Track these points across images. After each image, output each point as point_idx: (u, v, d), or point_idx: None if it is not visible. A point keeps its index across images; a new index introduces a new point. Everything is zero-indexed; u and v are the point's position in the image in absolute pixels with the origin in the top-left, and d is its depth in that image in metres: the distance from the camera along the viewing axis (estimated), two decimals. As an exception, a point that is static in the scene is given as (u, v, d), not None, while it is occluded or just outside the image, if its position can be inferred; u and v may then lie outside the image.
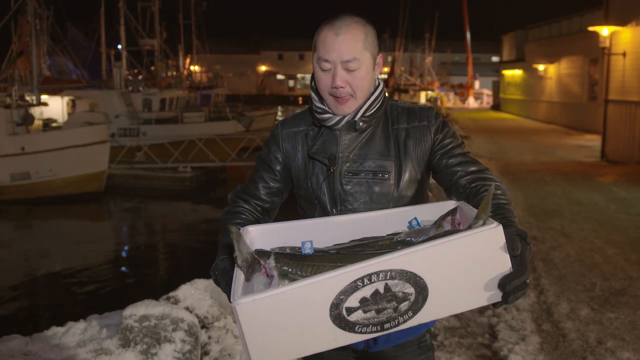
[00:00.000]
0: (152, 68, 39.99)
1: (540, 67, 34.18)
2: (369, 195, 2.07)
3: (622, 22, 18.01)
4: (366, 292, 1.52)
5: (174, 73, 43.31)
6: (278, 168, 2.20)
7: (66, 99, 26.83)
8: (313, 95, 2.13)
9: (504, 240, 1.58)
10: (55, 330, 4.61)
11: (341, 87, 2.01)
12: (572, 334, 5.18)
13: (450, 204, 1.96)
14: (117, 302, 6.33)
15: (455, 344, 4.99)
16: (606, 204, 11.05)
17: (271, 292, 1.49)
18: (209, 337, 4.64)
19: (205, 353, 4.55)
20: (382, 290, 1.53)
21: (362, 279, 1.50)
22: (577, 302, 5.97)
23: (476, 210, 1.68)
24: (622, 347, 4.89)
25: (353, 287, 1.50)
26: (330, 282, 1.49)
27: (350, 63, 1.99)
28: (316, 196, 2.12)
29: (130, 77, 38.25)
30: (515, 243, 1.60)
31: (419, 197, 2.13)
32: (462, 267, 1.57)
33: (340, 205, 2.08)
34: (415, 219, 1.92)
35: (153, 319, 4.18)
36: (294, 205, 2.27)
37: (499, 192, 1.90)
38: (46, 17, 27.16)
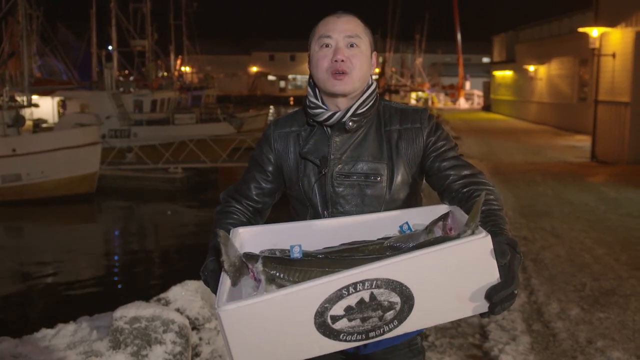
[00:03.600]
0: (143, 69, 39.90)
1: (531, 68, 34.28)
2: (361, 198, 2.06)
3: (612, 23, 18.09)
4: (351, 300, 1.51)
5: (165, 74, 43.20)
6: (270, 169, 2.19)
7: (57, 99, 26.74)
8: (309, 90, 2.13)
9: (493, 251, 1.56)
10: (45, 332, 4.59)
11: (342, 61, 2.02)
12: (563, 334, 5.20)
13: (443, 208, 1.95)
14: (108, 303, 6.31)
15: (446, 345, 5.00)
16: (596, 204, 11.09)
17: (255, 299, 1.48)
18: (200, 339, 4.64)
19: (196, 354, 4.54)
20: (367, 299, 1.52)
21: (347, 287, 1.49)
22: (568, 302, 5.99)
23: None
24: (612, 347, 4.91)
25: (338, 296, 1.49)
26: (315, 290, 1.48)
27: (353, 38, 2.03)
28: (308, 198, 2.11)
29: (121, 78, 38.15)
30: (504, 253, 1.57)
31: (411, 200, 2.11)
32: (449, 277, 1.55)
33: (331, 207, 2.07)
34: (407, 223, 1.90)
35: (144, 320, 4.17)
36: (287, 206, 2.27)
37: (491, 197, 1.88)
38: (36, 17, 27.06)
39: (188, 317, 4.64)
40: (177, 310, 4.65)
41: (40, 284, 12.77)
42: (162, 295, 4.89)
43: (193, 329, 4.65)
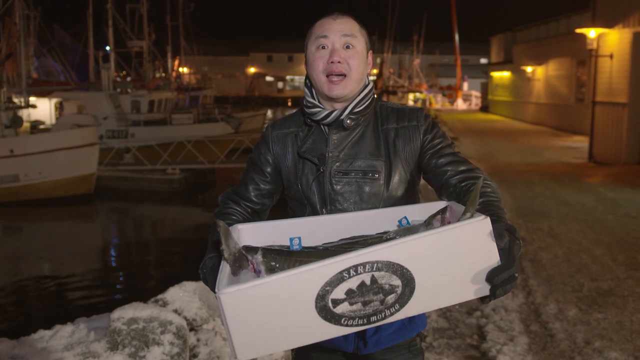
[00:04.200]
0: (141, 70, 39.88)
1: (528, 69, 34.31)
2: (359, 195, 2.07)
3: (609, 24, 18.11)
4: (352, 283, 1.50)
5: (163, 75, 43.19)
6: (268, 170, 2.20)
7: (54, 101, 26.71)
8: (306, 90, 2.15)
9: (492, 233, 1.57)
10: (43, 333, 4.59)
11: (338, 62, 2.03)
12: (560, 335, 5.20)
13: (441, 204, 1.96)
14: (105, 304, 6.33)
15: (444, 345, 5.00)
16: (594, 205, 11.10)
17: (255, 282, 1.48)
18: (198, 340, 4.63)
19: (194, 356, 4.54)
20: (368, 282, 1.52)
21: (348, 270, 1.49)
22: (565, 302, 6.00)
23: None
24: (610, 347, 4.92)
25: (339, 279, 1.49)
26: (315, 273, 1.48)
27: (349, 38, 2.05)
28: (306, 196, 2.12)
29: (118, 79, 38.14)
30: (503, 236, 1.59)
31: (409, 198, 2.12)
32: (450, 260, 1.56)
33: (330, 205, 2.08)
34: (405, 217, 1.90)
35: (141, 321, 4.17)
36: (285, 206, 2.27)
37: (489, 189, 1.90)
38: (33, 17, 27.04)
39: (186, 318, 4.64)
40: (175, 311, 4.65)
41: (37, 285, 12.75)
42: (159, 297, 4.89)
43: (191, 330, 4.65)
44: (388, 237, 1.80)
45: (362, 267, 1.50)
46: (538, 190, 12.87)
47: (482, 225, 1.56)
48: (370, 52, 2.15)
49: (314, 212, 2.11)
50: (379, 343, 2.11)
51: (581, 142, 21.96)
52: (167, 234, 17.89)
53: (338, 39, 2.04)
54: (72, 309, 10.24)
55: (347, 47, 2.05)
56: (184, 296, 4.84)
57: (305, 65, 2.15)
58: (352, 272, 1.49)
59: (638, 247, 8.10)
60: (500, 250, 1.58)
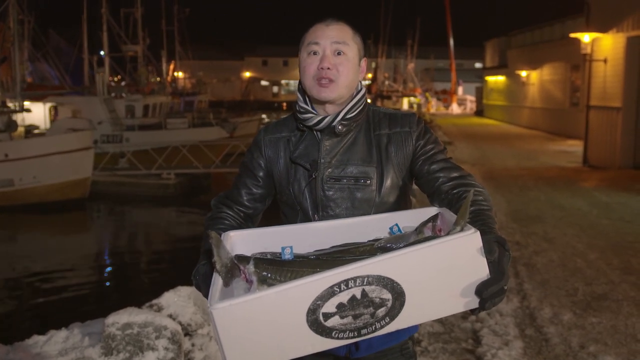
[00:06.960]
0: (135, 74, 39.82)
1: (523, 74, 34.39)
2: (351, 201, 2.07)
3: (603, 29, 18.17)
4: (343, 297, 1.52)
5: (158, 79, 43.13)
6: (261, 174, 2.21)
7: (49, 105, 26.67)
8: (298, 95, 2.15)
9: (482, 247, 1.58)
10: (37, 338, 4.58)
11: (328, 68, 2.03)
12: (555, 339, 5.21)
13: (432, 211, 1.96)
14: (100, 309, 6.30)
15: (439, 350, 5.00)
16: (588, 209, 11.12)
17: (247, 297, 1.49)
18: (193, 345, 4.62)
19: (189, 360, 4.53)
20: (359, 296, 1.53)
21: (339, 284, 1.50)
22: (560, 306, 6.00)
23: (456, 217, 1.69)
24: (604, 352, 4.92)
25: (330, 293, 1.50)
26: (307, 288, 1.49)
27: (340, 45, 2.05)
28: (298, 202, 2.12)
29: (113, 84, 38.09)
30: (493, 249, 1.60)
31: (401, 203, 2.13)
32: (440, 273, 1.57)
33: (322, 211, 2.08)
34: (396, 225, 1.92)
35: (136, 326, 4.16)
36: (277, 211, 2.27)
37: (480, 197, 1.91)
38: (28, 22, 27.00)
39: (180, 323, 4.63)
40: (170, 316, 4.63)
41: (31, 289, 12.71)
42: (154, 301, 4.87)
43: (186, 335, 4.64)
44: (379, 244, 1.81)
45: (352, 281, 1.51)
46: (532, 194, 12.89)
47: (471, 239, 1.57)
48: (365, 58, 2.16)
49: (306, 218, 2.11)
50: (371, 347, 2.11)
51: (575, 146, 22.01)
52: (162, 238, 17.87)
53: (329, 45, 2.05)
54: (66, 314, 10.20)
55: (338, 54, 2.06)
56: (178, 301, 4.83)
57: (299, 71, 2.15)
58: (343, 286, 1.51)
59: (632, 251, 8.12)
60: (489, 263, 1.59)
